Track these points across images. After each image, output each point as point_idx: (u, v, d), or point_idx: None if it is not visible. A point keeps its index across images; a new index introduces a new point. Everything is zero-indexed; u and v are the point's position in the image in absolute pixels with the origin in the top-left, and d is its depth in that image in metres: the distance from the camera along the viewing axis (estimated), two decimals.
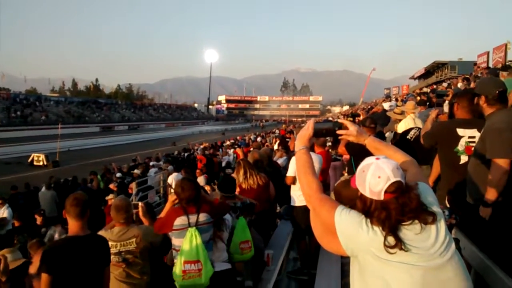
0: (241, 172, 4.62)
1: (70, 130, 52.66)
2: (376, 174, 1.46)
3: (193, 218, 3.19)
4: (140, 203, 3.94)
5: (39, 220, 7.51)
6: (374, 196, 1.47)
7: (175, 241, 3.24)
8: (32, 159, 26.75)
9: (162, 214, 3.45)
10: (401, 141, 4.89)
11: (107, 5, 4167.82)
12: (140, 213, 3.86)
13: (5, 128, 50.81)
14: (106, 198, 8.46)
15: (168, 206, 3.43)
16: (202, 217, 3.23)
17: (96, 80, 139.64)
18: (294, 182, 4.71)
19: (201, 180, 11.20)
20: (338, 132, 2.00)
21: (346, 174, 8.07)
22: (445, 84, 24.88)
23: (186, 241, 3.09)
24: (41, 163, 26.13)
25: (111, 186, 10.92)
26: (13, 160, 28.49)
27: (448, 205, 3.27)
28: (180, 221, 3.17)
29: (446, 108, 4.50)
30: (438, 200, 1.62)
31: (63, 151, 29.55)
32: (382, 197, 1.45)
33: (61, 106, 74.45)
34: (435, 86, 31.15)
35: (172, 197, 3.40)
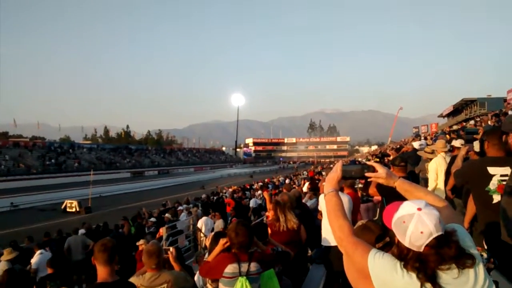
0: (271, 214, 4.55)
1: (102, 176, 53.89)
2: (419, 229, 1.41)
3: (244, 267, 3.03)
4: (170, 248, 3.94)
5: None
6: (413, 248, 1.43)
7: None
8: (65, 205, 27.31)
9: (210, 258, 3.30)
10: None
11: (135, 56, 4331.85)
12: (171, 259, 3.85)
13: (40, 176, 52.42)
14: (137, 243, 8.46)
15: (218, 249, 3.23)
16: (254, 266, 3.07)
17: (127, 126, 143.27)
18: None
19: (219, 224, 11.11)
20: (367, 174, 1.99)
21: (378, 216, 7.91)
22: (473, 122, 24.48)
23: None
24: (73, 210, 26.64)
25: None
26: (47, 207, 29.17)
27: (485, 246, 3.16)
28: (231, 268, 3.02)
29: (476, 145, 4.42)
30: (475, 241, 1.57)
31: (95, 197, 30.12)
32: (421, 250, 1.42)
33: (93, 153, 76.47)
34: (464, 124, 30.70)
35: (223, 240, 3.20)
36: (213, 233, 4.49)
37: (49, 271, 7.14)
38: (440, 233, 1.40)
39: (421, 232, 1.40)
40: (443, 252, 1.40)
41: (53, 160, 62.10)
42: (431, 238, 1.39)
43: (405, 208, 1.49)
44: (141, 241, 8.42)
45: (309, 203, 7.53)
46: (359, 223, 2.35)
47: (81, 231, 11.87)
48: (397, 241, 1.52)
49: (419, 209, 1.45)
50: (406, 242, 1.45)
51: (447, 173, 5.47)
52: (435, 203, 1.78)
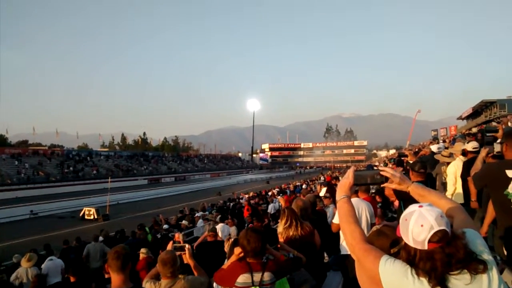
0: (283, 221, 4.51)
1: (119, 183, 54.58)
2: (419, 223, 1.40)
3: (257, 277, 2.98)
4: (186, 245, 3.92)
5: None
6: (418, 246, 1.41)
7: None
8: (84, 213, 27.56)
9: (225, 266, 3.27)
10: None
11: (151, 63, 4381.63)
12: (187, 255, 3.84)
13: (59, 184, 53.27)
14: (138, 252, 8.37)
15: (233, 258, 3.20)
16: (267, 276, 3.02)
17: (144, 134, 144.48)
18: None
19: (232, 230, 11.06)
20: (379, 179, 1.97)
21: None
22: (494, 123, 24.08)
23: None
24: (92, 217, 26.86)
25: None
26: (66, 214, 29.54)
27: (505, 252, 3.09)
28: (243, 278, 2.98)
29: (496, 147, 4.33)
30: (496, 246, 1.54)
31: (113, 204, 30.41)
32: (426, 247, 1.39)
33: (110, 160, 77.21)
34: (484, 126, 30.25)
35: (238, 250, 3.16)
36: (232, 239, 4.45)
37: (72, 279, 7.25)
38: (442, 227, 1.38)
39: (421, 226, 1.40)
40: (449, 251, 1.37)
41: (71, 168, 62.90)
42: (432, 232, 1.38)
43: (409, 209, 1.50)
44: (142, 250, 8.38)
45: (327, 209, 7.45)
46: (374, 228, 2.33)
47: (100, 238, 11.97)
48: (404, 244, 1.50)
49: (420, 206, 1.46)
50: (409, 240, 1.45)
51: (463, 178, 5.37)
52: (450, 207, 1.76)
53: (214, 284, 3.64)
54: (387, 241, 1.87)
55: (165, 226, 14.55)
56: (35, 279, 7.14)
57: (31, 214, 29.44)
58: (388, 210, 7.58)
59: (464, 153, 5.69)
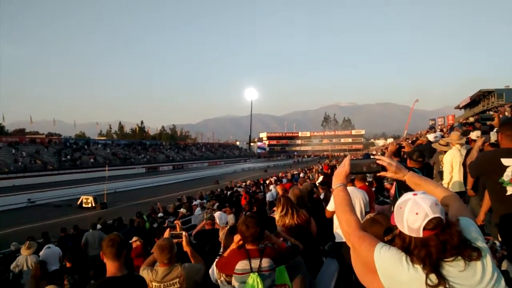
0: (279, 209, 4.51)
1: (117, 172, 54.56)
2: (414, 211, 1.41)
3: (255, 263, 3.00)
4: (183, 233, 3.92)
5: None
6: (412, 233, 1.42)
7: (235, 284, 3.06)
8: (81, 201, 27.59)
9: (226, 253, 3.30)
10: None
11: (149, 52, 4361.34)
12: (184, 243, 3.85)
13: (57, 172, 53.24)
14: (130, 241, 8.38)
15: (233, 246, 3.21)
16: (265, 262, 3.03)
17: (142, 122, 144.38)
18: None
19: (231, 218, 11.10)
20: (375, 168, 1.97)
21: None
22: (492, 113, 24.09)
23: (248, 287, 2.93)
24: (89, 205, 26.93)
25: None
26: (63, 202, 29.56)
27: (500, 239, 3.11)
28: (242, 265, 3.00)
29: (493, 136, 4.34)
30: (491, 233, 1.55)
31: (110, 193, 30.41)
32: (421, 234, 1.40)
33: (108, 149, 77.09)
34: (481, 115, 30.28)
35: (237, 237, 3.16)
36: (227, 227, 4.45)
37: (68, 265, 7.27)
38: (437, 215, 1.39)
39: (416, 214, 1.41)
40: (444, 238, 1.38)
41: (68, 156, 62.85)
42: (427, 220, 1.39)
43: (403, 197, 1.51)
44: (134, 238, 8.40)
45: (323, 197, 7.46)
46: (367, 216, 2.33)
47: (97, 226, 11.98)
48: (399, 232, 1.51)
49: (415, 194, 1.48)
50: (404, 228, 1.46)
51: (464, 166, 5.40)
52: (445, 196, 1.76)
53: (210, 271, 3.65)
54: (381, 229, 1.88)
55: (160, 215, 14.61)
56: (37, 266, 7.15)
57: (28, 202, 29.46)
58: (380, 195, 7.61)
59: (468, 141, 5.74)
